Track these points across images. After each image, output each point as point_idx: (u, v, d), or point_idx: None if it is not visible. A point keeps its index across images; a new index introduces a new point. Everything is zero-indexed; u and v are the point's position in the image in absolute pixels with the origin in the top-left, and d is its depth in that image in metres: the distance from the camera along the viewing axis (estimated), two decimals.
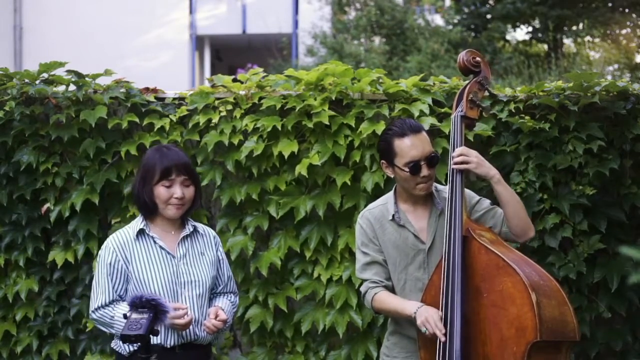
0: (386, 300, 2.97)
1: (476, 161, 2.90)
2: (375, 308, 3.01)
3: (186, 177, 2.99)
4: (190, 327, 2.94)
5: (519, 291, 2.61)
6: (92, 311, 2.97)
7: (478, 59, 3.04)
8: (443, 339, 2.71)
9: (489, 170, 2.92)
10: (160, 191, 2.96)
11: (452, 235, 2.81)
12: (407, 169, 2.94)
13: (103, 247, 3.01)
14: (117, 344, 3.01)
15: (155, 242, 2.99)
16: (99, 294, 2.96)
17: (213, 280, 3.09)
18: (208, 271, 3.05)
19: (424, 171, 2.95)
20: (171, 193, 2.96)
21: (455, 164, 2.89)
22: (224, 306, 3.08)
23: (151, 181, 2.96)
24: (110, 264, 2.95)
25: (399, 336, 3.07)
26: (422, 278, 3.00)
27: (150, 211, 3.01)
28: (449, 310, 2.74)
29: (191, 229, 3.07)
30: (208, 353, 3.11)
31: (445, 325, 2.73)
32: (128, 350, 2.96)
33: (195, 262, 3.03)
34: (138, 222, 3.03)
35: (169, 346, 2.94)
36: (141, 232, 3.00)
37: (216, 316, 2.98)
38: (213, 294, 3.13)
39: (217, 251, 3.14)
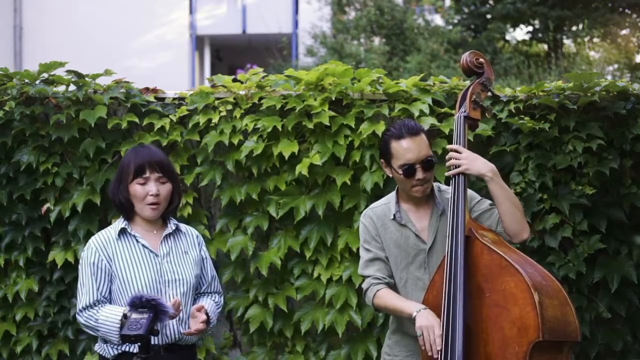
0: (388, 298, 2.97)
1: (466, 163, 2.89)
2: (376, 305, 3.01)
3: (161, 175, 2.98)
4: (175, 326, 2.93)
5: (521, 291, 2.61)
6: (78, 313, 2.95)
7: (481, 60, 3.05)
8: (435, 355, 2.71)
9: (481, 169, 2.90)
10: (136, 189, 2.95)
11: (454, 235, 2.81)
12: (401, 172, 2.95)
13: (85, 247, 3.00)
14: (100, 347, 2.99)
15: (137, 240, 2.98)
16: (84, 294, 2.93)
17: (197, 279, 3.07)
18: (192, 270, 3.03)
19: (419, 174, 2.95)
20: (146, 191, 2.95)
21: (448, 168, 2.91)
22: (208, 306, 3.04)
23: (126, 180, 2.96)
24: (93, 263, 2.93)
25: (400, 335, 3.08)
26: (422, 278, 3.00)
27: (127, 211, 2.99)
28: (451, 309, 2.74)
29: (173, 228, 3.06)
30: (193, 354, 3.09)
31: (447, 325, 2.73)
32: (112, 354, 2.94)
33: (179, 260, 3.01)
34: (119, 222, 3.02)
35: (154, 345, 2.91)
36: (123, 232, 2.99)
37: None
38: (197, 294, 3.11)
39: (200, 250, 3.12)
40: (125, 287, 2.91)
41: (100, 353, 2.99)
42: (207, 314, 2.97)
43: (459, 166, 2.89)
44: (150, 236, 3.01)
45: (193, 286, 3.03)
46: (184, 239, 3.08)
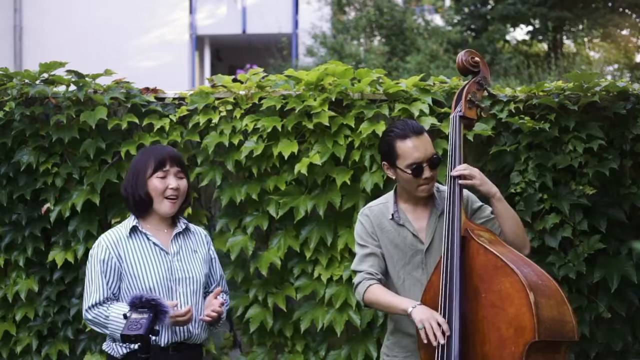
0: (380, 294, 2.94)
1: (479, 178, 2.90)
2: (367, 300, 2.98)
3: (179, 169, 3.02)
4: None
5: (517, 291, 2.61)
6: (86, 310, 2.95)
7: (477, 59, 3.04)
8: (442, 341, 2.69)
9: (491, 187, 2.93)
10: (155, 183, 2.97)
11: (450, 236, 2.81)
12: (409, 171, 2.94)
13: (95, 245, 3.01)
14: (109, 346, 3.00)
15: (148, 238, 2.99)
16: (93, 292, 2.94)
17: (206, 277, 3.10)
18: (201, 268, 3.06)
19: (426, 173, 2.96)
20: (166, 184, 2.98)
21: (461, 177, 2.89)
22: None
23: (145, 175, 2.97)
24: (103, 261, 2.94)
25: (399, 335, 3.07)
26: (420, 278, 3.00)
27: (145, 207, 3.00)
28: (448, 310, 2.74)
29: (183, 227, 3.08)
30: (200, 354, 3.11)
31: None
32: (121, 353, 2.95)
33: (188, 258, 3.04)
34: (130, 221, 3.03)
35: (163, 345, 2.93)
36: (134, 230, 3.00)
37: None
38: (206, 292, 3.13)
39: (208, 250, 3.16)
40: (135, 284, 2.93)
41: (109, 352, 2.99)
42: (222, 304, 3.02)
43: (471, 178, 2.88)
44: (161, 234, 3.03)
45: (203, 284, 3.07)
46: (193, 238, 3.11)
